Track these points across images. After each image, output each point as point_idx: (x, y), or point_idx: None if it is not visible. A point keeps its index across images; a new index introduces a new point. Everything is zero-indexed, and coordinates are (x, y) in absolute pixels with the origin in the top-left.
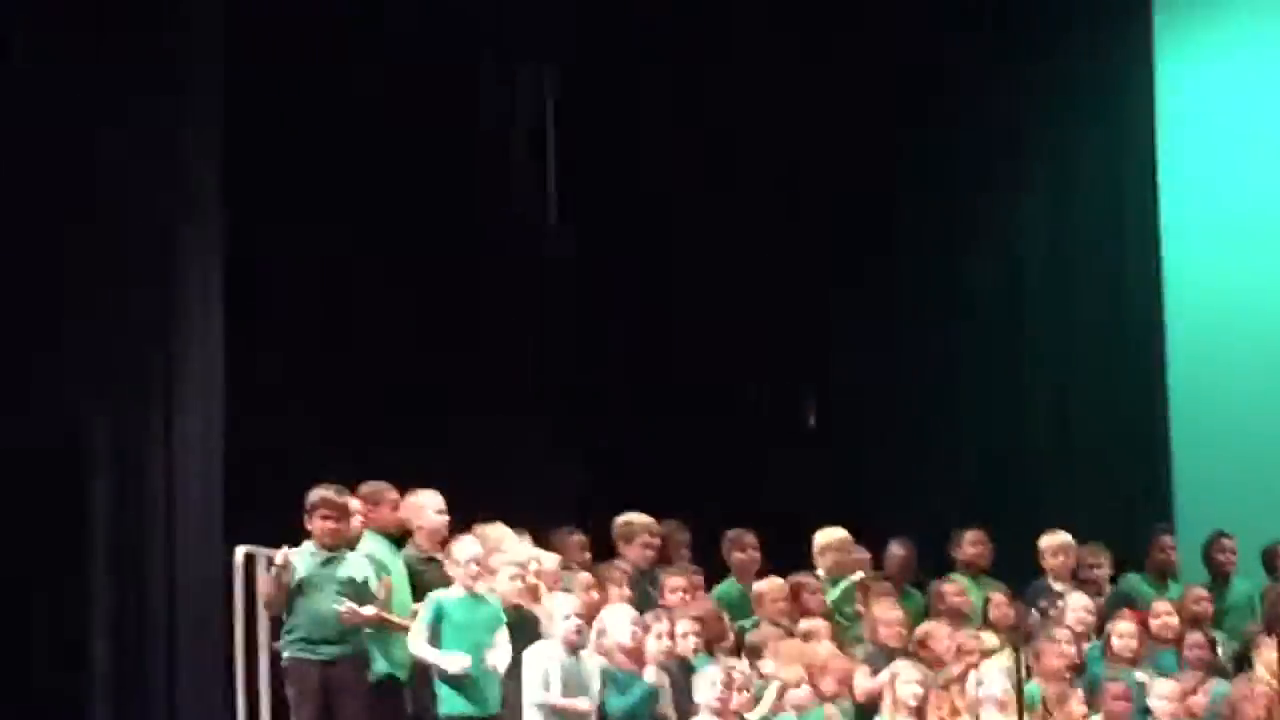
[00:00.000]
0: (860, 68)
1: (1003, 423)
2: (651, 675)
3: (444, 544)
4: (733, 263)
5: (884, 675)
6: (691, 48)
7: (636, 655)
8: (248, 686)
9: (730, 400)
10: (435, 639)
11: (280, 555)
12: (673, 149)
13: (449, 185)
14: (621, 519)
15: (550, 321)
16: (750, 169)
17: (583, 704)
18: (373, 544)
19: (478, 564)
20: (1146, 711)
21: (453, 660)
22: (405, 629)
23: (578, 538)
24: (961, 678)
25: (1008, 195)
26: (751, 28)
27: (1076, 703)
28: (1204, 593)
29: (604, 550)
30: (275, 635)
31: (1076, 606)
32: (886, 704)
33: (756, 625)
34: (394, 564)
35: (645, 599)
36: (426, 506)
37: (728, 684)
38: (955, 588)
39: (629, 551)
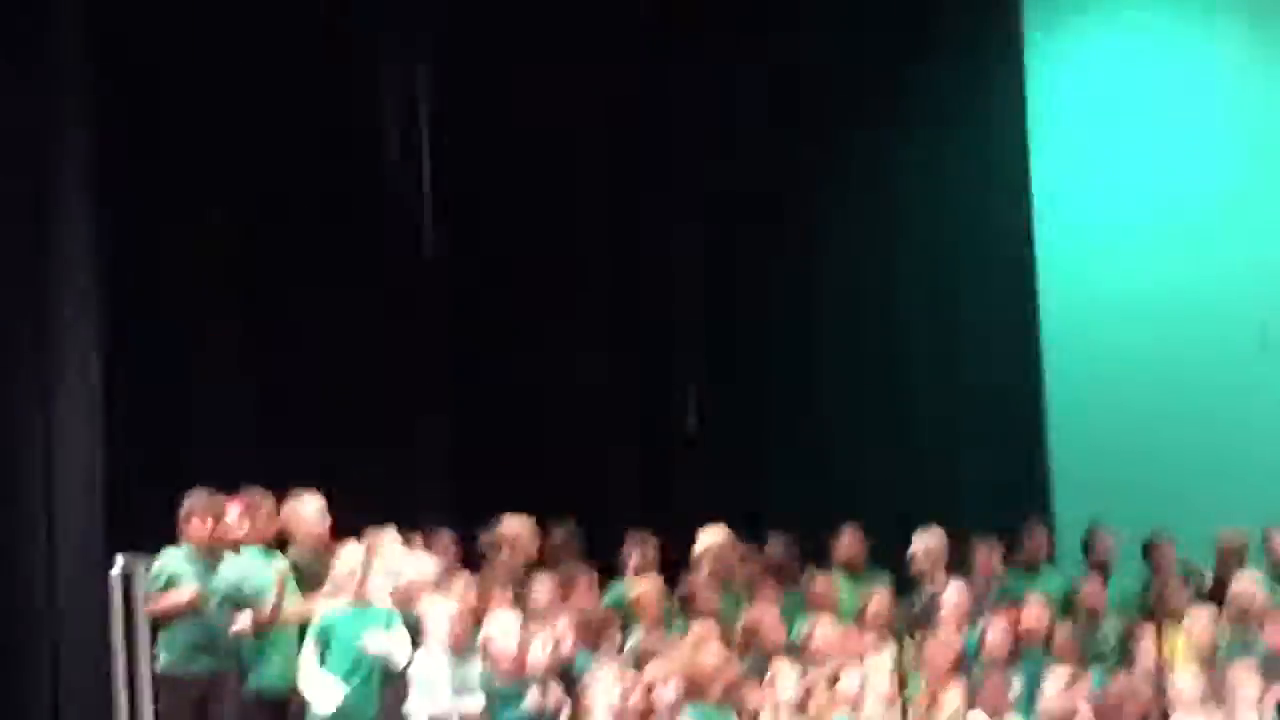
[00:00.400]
0: (733, 63)
1: (880, 418)
2: (535, 690)
3: (326, 549)
4: (609, 261)
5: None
6: (563, 46)
7: (520, 664)
8: (130, 695)
9: (613, 404)
10: (324, 658)
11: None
12: (546, 147)
13: (323, 186)
14: (492, 527)
15: (426, 323)
16: (625, 169)
17: (474, 706)
18: (254, 555)
19: (362, 572)
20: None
21: (324, 699)
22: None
23: (450, 540)
24: (840, 674)
25: (883, 195)
26: (625, 25)
27: (958, 696)
28: (1099, 585)
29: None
30: (154, 644)
31: (952, 597)
32: (767, 706)
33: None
34: (277, 571)
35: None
36: (308, 512)
37: (625, 695)
38: (825, 583)
39: (495, 556)
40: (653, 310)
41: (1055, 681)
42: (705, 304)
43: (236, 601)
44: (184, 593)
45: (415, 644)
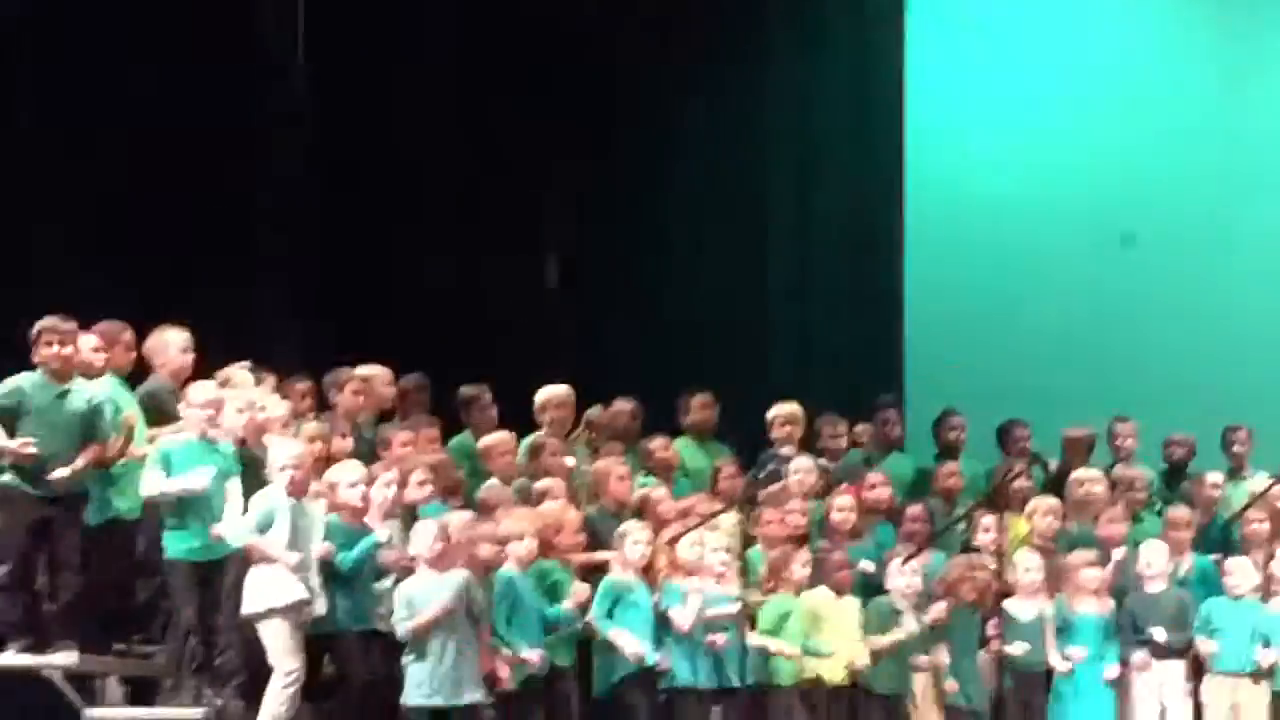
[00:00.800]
0: None
1: (743, 291)
2: (379, 527)
3: (184, 384)
4: (480, 131)
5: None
6: None
7: (362, 513)
8: None
9: (475, 261)
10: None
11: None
12: (421, 18)
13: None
14: (335, 371)
15: (291, 177)
16: (490, 43)
17: (285, 555)
18: (109, 385)
19: (214, 408)
20: (867, 583)
21: (193, 479)
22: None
23: (304, 386)
24: (680, 537)
25: (753, 72)
26: None
27: (799, 566)
28: (955, 466)
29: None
30: None
31: (800, 469)
32: (615, 562)
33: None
34: (130, 404)
35: (366, 453)
36: (171, 344)
37: (443, 537)
38: (663, 443)
39: (340, 399)
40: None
41: (896, 559)
42: (576, 172)
43: (86, 426)
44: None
45: (252, 479)
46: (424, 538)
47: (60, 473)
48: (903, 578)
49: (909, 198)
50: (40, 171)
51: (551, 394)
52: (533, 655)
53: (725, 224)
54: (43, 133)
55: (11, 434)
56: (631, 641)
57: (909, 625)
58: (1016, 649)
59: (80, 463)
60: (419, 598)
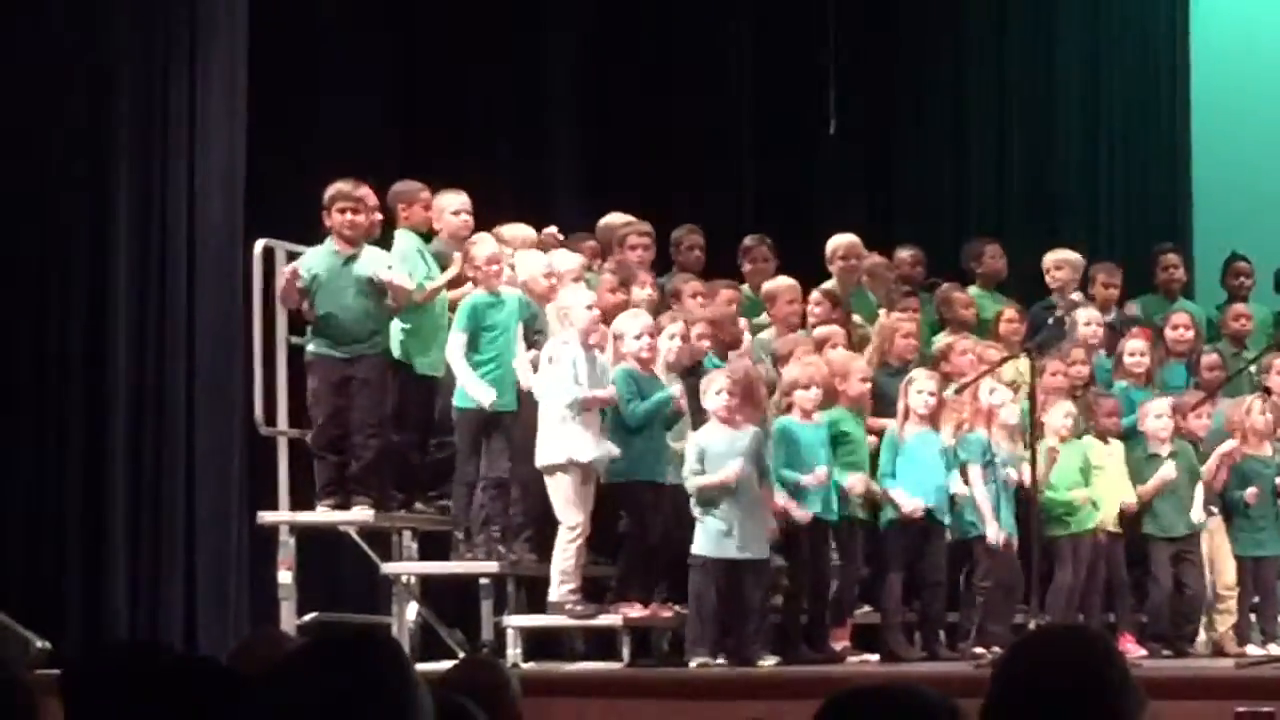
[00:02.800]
0: None
1: (1025, 146)
2: (665, 379)
3: (464, 244)
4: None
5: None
6: None
7: (649, 364)
8: (265, 379)
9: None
10: (474, 343)
11: (289, 269)
12: None
13: None
14: (607, 220)
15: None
16: None
17: (605, 393)
18: (406, 241)
19: (496, 263)
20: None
21: (481, 392)
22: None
23: (591, 245)
24: (973, 386)
25: None
26: None
27: (1061, 417)
28: (1244, 309)
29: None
30: (293, 330)
31: (1085, 320)
32: (899, 411)
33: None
34: (426, 261)
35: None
36: (446, 208)
37: (732, 391)
38: (965, 298)
39: (623, 253)
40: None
41: (1166, 404)
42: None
43: (373, 290)
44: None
45: (544, 335)
46: (715, 391)
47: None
48: (1156, 423)
49: (1194, 39)
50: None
51: (840, 243)
52: (804, 514)
53: (1010, 80)
54: None
55: (313, 304)
56: (907, 500)
57: (1167, 470)
58: None
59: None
60: (711, 450)
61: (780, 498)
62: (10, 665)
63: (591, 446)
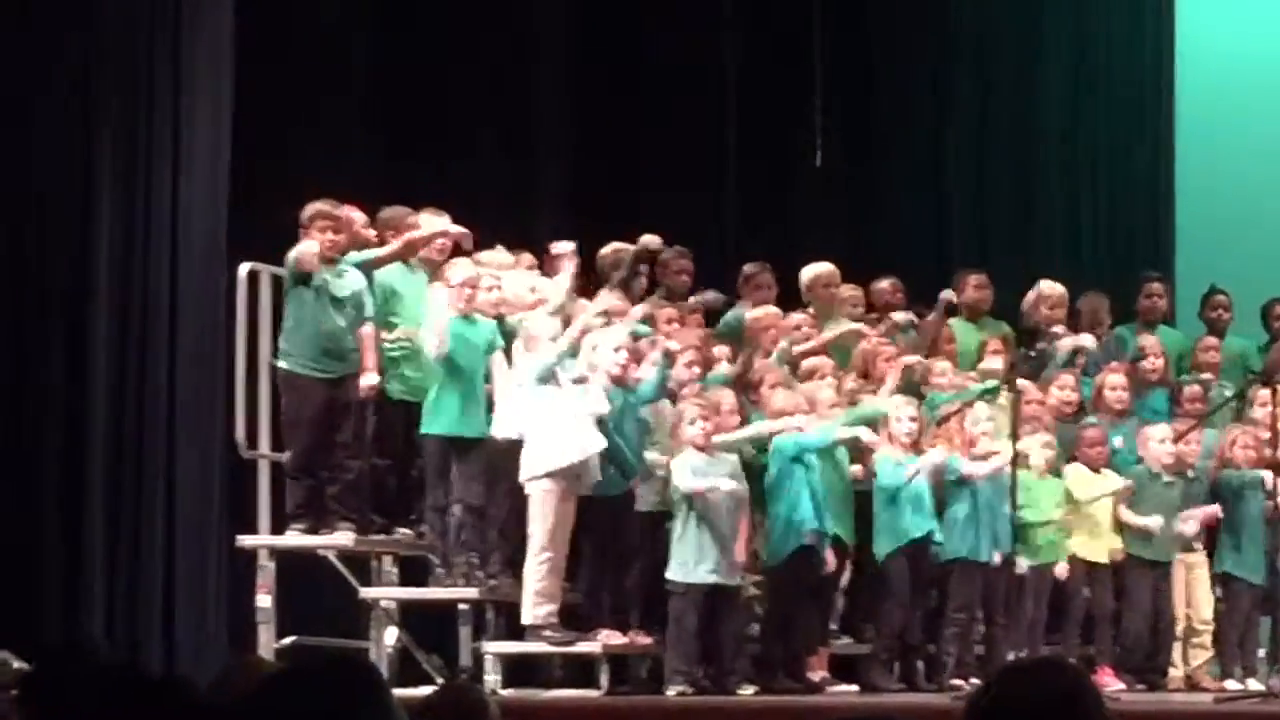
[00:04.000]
0: None
1: (1009, 173)
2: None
3: (443, 265)
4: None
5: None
6: None
7: (622, 380)
8: (247, 402)
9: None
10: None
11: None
12: None
13: None
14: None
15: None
16: None
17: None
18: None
19: (471, 287)
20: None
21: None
22: None
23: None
24: (958, 415)
25: None
26: None
27: (1039, 448)
28: (1214, 341)
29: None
30: (274, 352)
31: (1067, 348)
32: (882, 438)
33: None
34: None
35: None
36: (427, 226)
37: (707, 418)
38: (946, 332)
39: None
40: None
41: (1166, 431)
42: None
43: (356, 308)
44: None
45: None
46: (689, 421)
47: (367, 380)
48: (1160, 447)
49: (1180, 70)
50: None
51: (817, 274)
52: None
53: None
54: None
55: (292, 324)
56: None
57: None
58: None
59: (371, 361)
60: (689, 474)
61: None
62: None
63: (571, 452)
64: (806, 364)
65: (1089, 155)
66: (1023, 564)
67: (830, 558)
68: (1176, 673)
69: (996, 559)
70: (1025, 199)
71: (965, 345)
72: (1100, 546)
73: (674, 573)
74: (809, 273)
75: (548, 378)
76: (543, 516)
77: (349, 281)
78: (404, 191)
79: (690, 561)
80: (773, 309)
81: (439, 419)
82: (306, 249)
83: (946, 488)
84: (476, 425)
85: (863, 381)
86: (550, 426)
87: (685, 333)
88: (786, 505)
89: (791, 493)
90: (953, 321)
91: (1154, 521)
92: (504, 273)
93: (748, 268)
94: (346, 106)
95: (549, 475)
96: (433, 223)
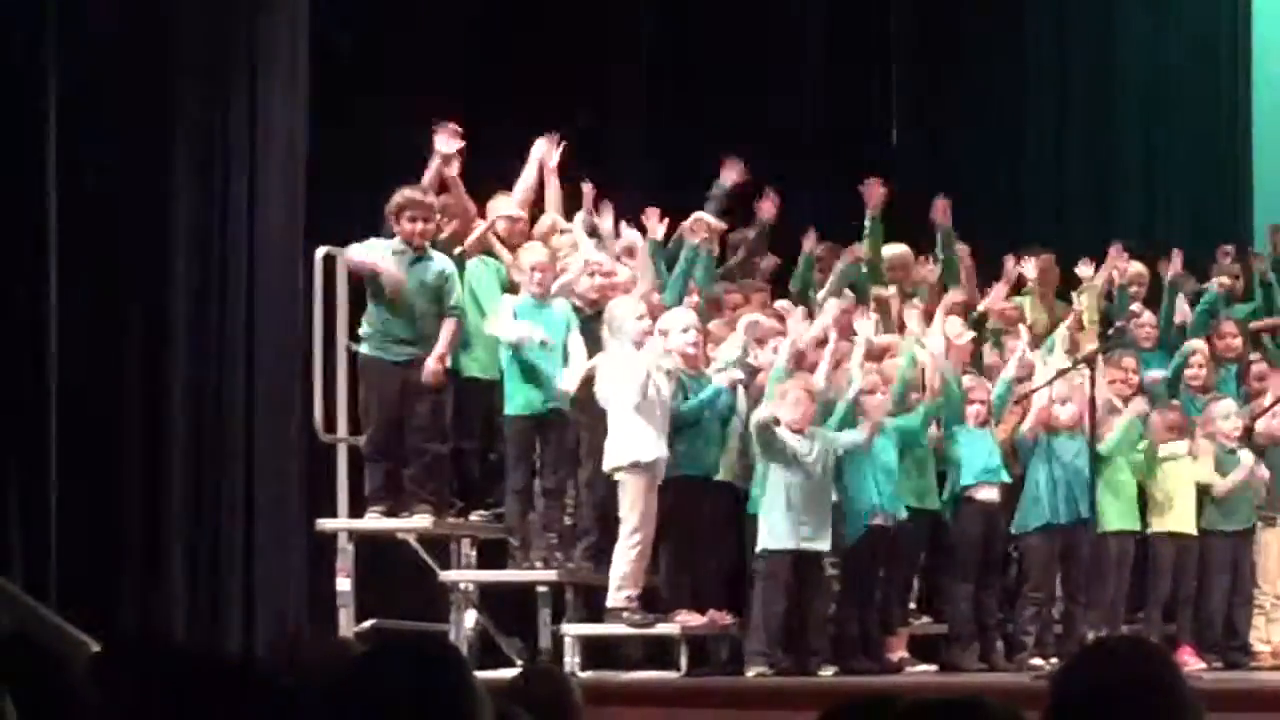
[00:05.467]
0: None
1: (1084, 145)
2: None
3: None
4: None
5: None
6: None
7: (693, 361)
8: (325, 386)
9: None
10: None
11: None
12: None
13: None
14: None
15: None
16: None
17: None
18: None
19: (541, 270)
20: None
21: (526, 329)
22: None
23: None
24: (1031, 392)
25: None
26: None
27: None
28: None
29: None
30: (353, 336)
31: (1146, 323)
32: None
33: None
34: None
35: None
36: (497, 210)
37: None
38: (1012, 311)
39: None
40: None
41: (1237, 408)
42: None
43: (435, 297)
44: (394, 273)
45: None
46: (792, 402)
47: (431, 365)
48: (1226, 423)
49: (1256, 41)
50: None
51: (894, 254)
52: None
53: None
54: None
55: (370, 308)
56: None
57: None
58: None
59: (444, 347)
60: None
61: None
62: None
63: (655, 447)
64: (880, 341)
65: (1165, 126)
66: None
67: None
68: (1265, 649)
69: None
70: (1102, 177)
71: (1035, 324)
72: (1181, 520)
73: (763, 541)
74: (887, 252)
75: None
76: (632, 503)
77: (432, 269)
78: (483, 174)
79: (780, 529)
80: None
81: (517, 400)
82: (389, 280)
83: (1023, 456)
84: (555, 406)
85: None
86: (633, 418)
87: (750, 310)
88: (853, 487)
89: (856, 475)
90: (1021, 299)
91: (1242, 471)
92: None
93: (819, 249)
94: (425, 89)
95: (634, 466)
96: (505, 207)
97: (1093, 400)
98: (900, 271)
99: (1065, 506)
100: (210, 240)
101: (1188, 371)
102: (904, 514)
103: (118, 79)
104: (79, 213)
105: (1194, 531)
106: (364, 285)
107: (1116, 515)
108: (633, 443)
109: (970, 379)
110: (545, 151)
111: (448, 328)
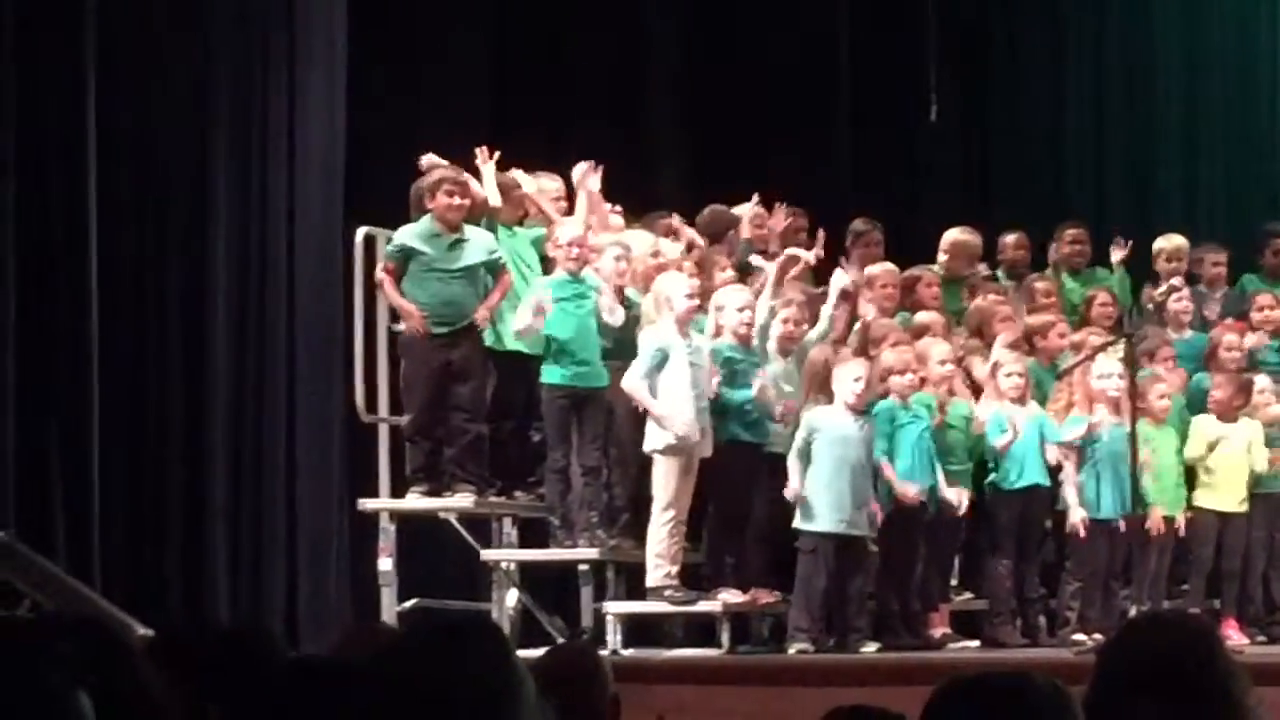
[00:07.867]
0: None
1: (1120, 126)
2: (774, 364)
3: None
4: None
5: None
6: None
7: (747, 339)
8: (366, 366)
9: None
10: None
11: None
12: None
13: None
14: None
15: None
16: None
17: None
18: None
19: (579, 246)
20: None
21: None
22: None
23: (665, 222)
24: (1077, 370)
25: None
26: None
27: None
28: None
29: None
30: (393, 316)
31: (1182, 304)
32: (988, 393)
33: None
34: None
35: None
36: (543, 192)
37: (869, 382)
38: (1045, 287)
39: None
40: None
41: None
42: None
43: (472, 277)
44: (414, 317)
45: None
46: (853, 379)
47: (480, 313)
48: (1260, 397)
49: None
50: None
51: (957, 238)
52: (909, 489)
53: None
54: None
55: (409, 287)
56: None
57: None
58: None
59: (494, 298)
60: (824, 433)
61: (888, 471)
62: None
63: (691, 426)
64: (918, 319)
65: (1207, 107)
66: (1155, 514)
67: (958, 499)
68: None
69: (1121, 526)
70: (1143, 151)
71: (1072, 299)
72: (1229, 498)
73: (804, 523)
74: (954, 236)
75: (660, 365)
76: (665, 482)
77: (471, 249)
78: (518, 157)
79: (824, 511)
80: (886, 264)
81: (555, 372)
82: (411, 327)
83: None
84: (595, 379)
85: (976, 340)
86: (670, 400)
87: (788, 289)
88: (895, 464)
89: (895, 451)
90: (1046, 275)
91: None
92: (627, 235)
93: (858, 224)
94: (463, 71)
95: (670, 448)
96: (548, 188)
97: (1132, 379)
98: (963, 261)
99: (1106, 499)
100: (250, 221)
101: (1223, 354)
102: (948, 491)
103: (158, 64)
104: (120, 192)
105: (1243, 510)
106: (404, 267)
107: (1158, 495)
108: (669, 422)
109: (1010, 356)
110: (584, 175)
111: (504, 280)
